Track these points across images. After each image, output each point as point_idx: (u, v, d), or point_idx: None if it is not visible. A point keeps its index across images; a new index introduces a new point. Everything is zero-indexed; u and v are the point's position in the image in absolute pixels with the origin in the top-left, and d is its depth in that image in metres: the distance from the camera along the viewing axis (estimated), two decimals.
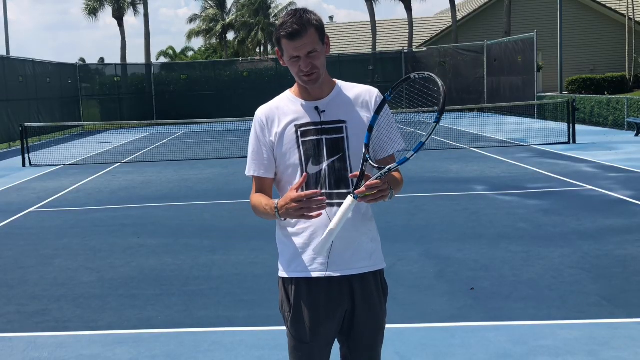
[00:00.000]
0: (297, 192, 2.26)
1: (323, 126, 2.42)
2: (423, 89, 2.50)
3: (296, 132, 2.42)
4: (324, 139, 2.41)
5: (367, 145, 2.36)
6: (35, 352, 4.47)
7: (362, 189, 2.24)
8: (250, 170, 2.52)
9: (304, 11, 2.35)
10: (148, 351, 4.40)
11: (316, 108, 2.43)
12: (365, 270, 2.46)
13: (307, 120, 2.43)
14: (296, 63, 2.35)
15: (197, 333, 4.71)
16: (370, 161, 2.34)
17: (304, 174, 2.36)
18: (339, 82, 2.51)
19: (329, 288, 2.43)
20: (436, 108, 2.29)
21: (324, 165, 2.41)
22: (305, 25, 2.30)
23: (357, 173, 2.29)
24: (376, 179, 2.25)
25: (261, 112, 2.50)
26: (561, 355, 4.06)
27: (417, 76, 2.37)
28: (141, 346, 4.50)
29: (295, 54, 2.33)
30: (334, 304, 2.44)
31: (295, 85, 2.50)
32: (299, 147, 2.42)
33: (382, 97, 2.44)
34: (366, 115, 2.44)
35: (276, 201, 2.36)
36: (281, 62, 2.44)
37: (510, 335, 4.40)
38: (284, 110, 2.46)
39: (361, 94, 2.49)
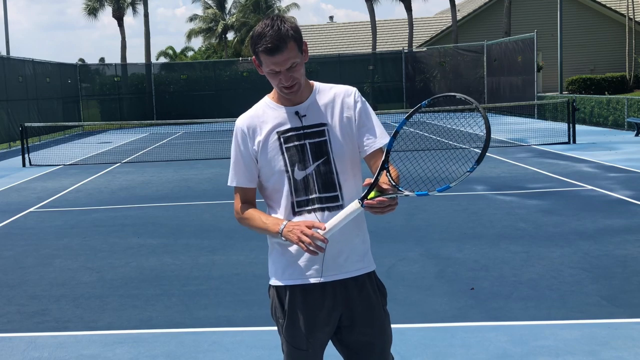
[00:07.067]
0: (312, 227, 2.26)
1: (305, 130, 2.40)
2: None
3: (279, 138, 2.41)
4: (307, 144, 2.40)
5: (388, 152, 2.32)
6: (35, 352, 4.47)
7: (373, 202, 2.22)
8: (232, 181, 2.51)
9: (281, 21, 2.28)
10: (148, 351, 4.41)
11: (296, 113, 2.41)
12: (360, 273, 2.45)
13: (288, 126, 2.41)
14: (276, 76, 2.32)
15: (197, 333, 4.71)
16: (388, 176, 2.29)
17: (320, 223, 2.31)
18: (316, 83, 2.48)
19: (323, 293, 2.41)
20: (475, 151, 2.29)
21: (310, 169, 2.39)
22: (285, 39, 2.25)
23: (371, 181, 2.26)
24: (390, 198, 2.23)
25: (242, 121, 2.48)
26: (561, 355, 4.06)
27: (460, 97, 2.38)
28: (141, 346, 4.50)
29: (276, 69, 2.29)
30: (329, 309, 2.42)
31: (274, 91, 2.46)
32: (282, 153, 2.40)
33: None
34: (346, 115, 2.43)
35: (285, 222, 2.34)
36: (259, 71, 2.39)
37: (510, 335, 4.40)
38: (265, 117, 2.44)
39: (339, 94, 2.46)
